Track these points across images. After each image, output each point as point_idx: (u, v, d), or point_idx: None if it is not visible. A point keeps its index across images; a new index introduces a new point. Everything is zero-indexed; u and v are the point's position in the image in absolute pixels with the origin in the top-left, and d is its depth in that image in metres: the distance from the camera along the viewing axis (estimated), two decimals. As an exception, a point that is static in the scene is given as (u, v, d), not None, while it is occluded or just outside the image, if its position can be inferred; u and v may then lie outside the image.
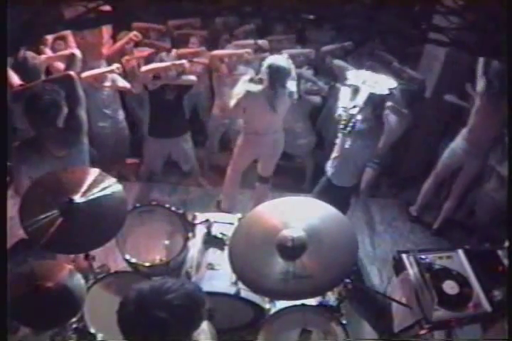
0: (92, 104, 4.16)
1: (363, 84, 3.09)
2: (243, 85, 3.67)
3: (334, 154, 3.39)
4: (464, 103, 4.08)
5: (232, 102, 3.69)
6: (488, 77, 3.59)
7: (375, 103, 3.12)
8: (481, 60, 3.63)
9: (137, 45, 4.46)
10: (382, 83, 3.11)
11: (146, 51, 4.29)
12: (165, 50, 4.42)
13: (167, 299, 1.40)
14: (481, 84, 3.65)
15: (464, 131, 3.91)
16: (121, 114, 4.42)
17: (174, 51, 4.22)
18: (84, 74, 3.79)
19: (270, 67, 3.52)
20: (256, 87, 3.61)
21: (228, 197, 4.31)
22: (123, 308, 1.42)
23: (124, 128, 4.48)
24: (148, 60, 4.16)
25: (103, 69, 3.97)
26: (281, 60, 3.58)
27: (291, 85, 3.70)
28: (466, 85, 3.97)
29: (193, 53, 4.41)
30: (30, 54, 3.35)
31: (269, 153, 4.05)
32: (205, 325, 1.89)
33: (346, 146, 3.23)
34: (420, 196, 4.37)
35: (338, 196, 3.22)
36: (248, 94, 3.60)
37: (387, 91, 3.07)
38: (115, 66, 3.93)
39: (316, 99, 4.39)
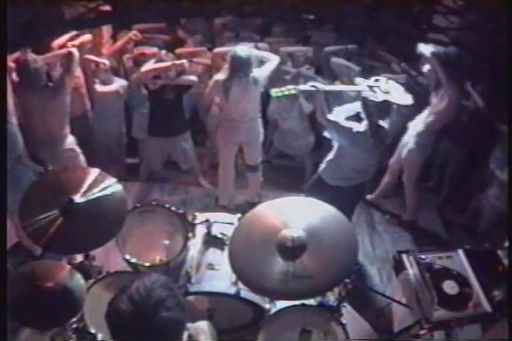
0: (95, 103, 4.19)
1: (371, 90, 3.11)
2: (216, 75, 3.85)
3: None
4: (465, 102, 4.08)
5: (206, 91, 3.91)
6: (444, 64, 3.62)
7: (368, 108, 3.10)
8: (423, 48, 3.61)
9: (137, 44, 4.47)
10: (397, 96, 3.12)
11: (146, 49, 4.29)
12: (164, 41, 4.52)
13: (156, 299, 1.39)
14: (447, 80, 3.66)
15: (420, 119, 3.95)
16: (121, 115, 4.44)
17: (163, 52, 4.23)
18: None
19: (231, 56, 3.65)
20: (222, 76, 3.77)
21: (224, 192, 4.36)
22: (121, 332, 1.41)
23: (123, 130, 4.50)
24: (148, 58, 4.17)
25: (92, 57, 4.00)
26: (241, 49, 3.69)
27: (257, 72, 3.77)
28: (465, 83, 3.98)
29: (192, 53, 4.42)
30: (31, 56, 3.35)
31: (248, 141, 4.13)
32: (205, 325, 1.89)
33: (336, 143, 3.29)
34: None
35: (326, 192, 3.21)
36: (215, 82, 3.79)
37: (380, 99, 3.05)
38: (102, 61, 3.94)
39: (309, 108, 4.40)
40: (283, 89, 3.07)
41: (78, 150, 3.70)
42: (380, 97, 3.07)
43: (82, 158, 3.72)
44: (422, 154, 4.03)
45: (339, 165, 3.32)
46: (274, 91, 3.10)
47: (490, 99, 3.82)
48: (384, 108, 3.10)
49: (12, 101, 3.09)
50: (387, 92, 3.12)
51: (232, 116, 3.95)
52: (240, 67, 3.65)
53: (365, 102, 3.09)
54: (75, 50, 3.46)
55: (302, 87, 3.14)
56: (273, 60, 3.86)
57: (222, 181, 4.32)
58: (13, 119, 3.07)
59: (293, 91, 3.05)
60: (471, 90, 3.92)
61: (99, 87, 4.12)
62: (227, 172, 4.26)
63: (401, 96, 3.17)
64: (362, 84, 3.18)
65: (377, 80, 3.25)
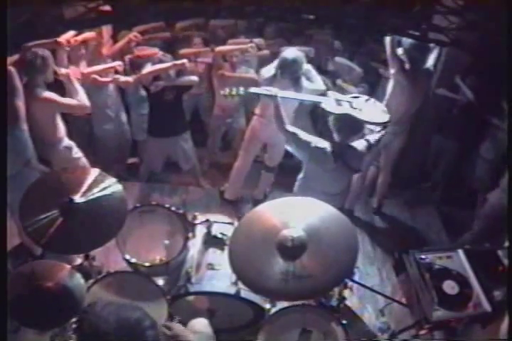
0: (95, 105, 4.18)
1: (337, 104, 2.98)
2: (263, 70, 3.87)
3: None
4: (457, 96, 4.11)
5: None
6: (399, 57, 3.68)
7: (326, 122, 3.03)
8: (388, 40, 3.67)
9: (137, 44, 4.47)
10: (369, 114, 2.93)
11: (146, 50, 4.29)
12: (164, 40, 4.52)
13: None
14: (393, 64, 3.73)
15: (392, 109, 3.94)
16: (123, 116, 4.44)
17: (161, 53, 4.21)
18: (87, 70, 3.81)
19: (281, 56, 3.64)
20: (269, 73, 3.77)
21: (233, 186, 4.37)
22: None
23: (126, 131, 4.50)
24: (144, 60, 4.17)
25: (105, 65, 3.98)
26: (290, 52, 3.66)
27: (307, 84, 3.72)
28: (455, 77, 4.01)
29: (196, 53, 4.42)
30: (37, 49, 3.33)
31: (275, 143, 4.12)
32: (201, 327, 1.89)
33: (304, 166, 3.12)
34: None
35: None
36: (259, 77, 3.82)
37: (339, 111, 2.88)
38: (117, 63, 3.94)
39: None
40: (233, 89, 3.12)
41: (76, 149, 3.68)
42: (340, 110, 2.89)
43: (83, 159, 3.71)
44: (399, 142, 4.07)
45: (308, 185, 3.12)
46: (223, 91, 3.18)
47: (480, 92, 3.86)
48: (347, 124, 2.88)
49: (24, 107, 3.08)
50: (356, 108, 2.93)
51: (264, 114, 3.95)
52: (284, 68, 3.63)
53: (323, 114, 3.00)
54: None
55: (254, 89, 3.09)
56: (318, 86, 3.78)
57: (235, 174, 4.32)
58: (24, 126, 3.05)
59: (241, 92, 3.09)
60: (461, 83, 3.95)
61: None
62: (244, 167, 4.27)
63: (374, 115, 2.96)
64: (331, 97, 3.04)
65: (355, 97, 3.11)
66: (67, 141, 3.58)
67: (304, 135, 2.95)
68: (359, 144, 2.98)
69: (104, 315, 1.40)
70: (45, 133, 3.46)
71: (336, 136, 2.92)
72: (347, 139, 2.92)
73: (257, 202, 4.22)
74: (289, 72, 3.64)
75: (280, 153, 4.22)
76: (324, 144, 2.91)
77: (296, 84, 3.68)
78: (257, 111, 4.04)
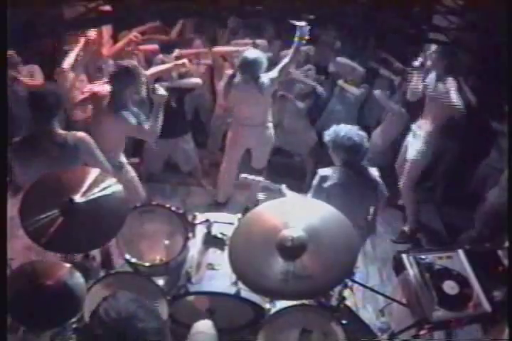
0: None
1: None
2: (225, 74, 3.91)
3: None
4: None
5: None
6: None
7: None
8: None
9: (137, 44, 4.47)
10: None
11: (149, 46, 4.30)
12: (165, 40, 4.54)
13: (126, 315, 1.45)
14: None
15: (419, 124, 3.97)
16: None
17: (177, 51, 4.23)
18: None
19: (242, 56, 3.63)
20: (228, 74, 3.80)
21: (223, 189, 4.37)
22: None
23: None
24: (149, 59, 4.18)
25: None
26: (251, 53, 3.66)
27: (264, 77, 3.72)
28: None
29: (195, 54, 4.42)
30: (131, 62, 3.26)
31: (257, 146, 4.12)
32: (204, 326, 1.89)
33: None
34: (407, 204, 4.28)
35: None
36: (227, 84, 3.81)
37: None
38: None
39: (300, 105, 4.41)
40: None
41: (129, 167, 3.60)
42: None
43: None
44: (429, 155, 4.02)
45: None
46: None
47: (480, 92, 3.87)
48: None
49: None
50: None
51: (238, 119, 3.95)
52: (244, 67, 3.64)
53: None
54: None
55: None
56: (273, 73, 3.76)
57: (222, 180, 4.33)
58: None
59: None
60: (464, 86, 3.95)
61: None
62: (229, 173, 4.25)
63: None
64: None
65: None
66: (121, 158, 3.52)
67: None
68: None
69: (125, 300, 1.47)
70: (110, 151, 3.27)
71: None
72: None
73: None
74: (250, 72, 3.64)
75: (264, 155, 4.20)
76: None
77: (256, 83, 3.69)
78: (233, 116, 4.03)
